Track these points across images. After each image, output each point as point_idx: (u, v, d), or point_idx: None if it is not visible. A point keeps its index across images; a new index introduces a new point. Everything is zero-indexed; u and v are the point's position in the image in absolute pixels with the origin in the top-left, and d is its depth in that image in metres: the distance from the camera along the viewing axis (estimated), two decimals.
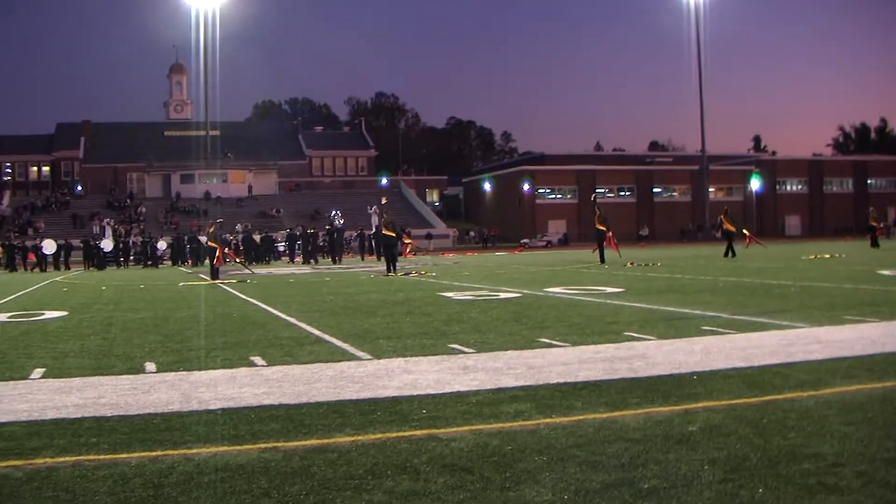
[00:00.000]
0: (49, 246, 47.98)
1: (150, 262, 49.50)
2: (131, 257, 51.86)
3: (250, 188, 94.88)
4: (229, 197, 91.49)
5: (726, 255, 32.76)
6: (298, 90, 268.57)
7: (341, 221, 46.93)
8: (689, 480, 5.00)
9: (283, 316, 14.24)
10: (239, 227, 57.90)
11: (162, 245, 51.62)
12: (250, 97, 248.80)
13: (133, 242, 53.94)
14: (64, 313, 16.08)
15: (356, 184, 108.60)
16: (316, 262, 42.66)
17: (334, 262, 41.59)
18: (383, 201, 43.75)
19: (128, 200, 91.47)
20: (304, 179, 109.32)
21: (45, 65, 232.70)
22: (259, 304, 16.97)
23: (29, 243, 51.40)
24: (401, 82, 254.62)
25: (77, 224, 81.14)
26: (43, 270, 45.92)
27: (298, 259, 47.21)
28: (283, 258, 51.02)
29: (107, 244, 49.30)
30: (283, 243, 53.19)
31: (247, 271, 32.00)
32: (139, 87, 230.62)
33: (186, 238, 52.31)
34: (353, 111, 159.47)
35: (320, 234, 47.18)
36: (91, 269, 47.10)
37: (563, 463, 5.36)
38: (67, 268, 47.96)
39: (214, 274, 25.98)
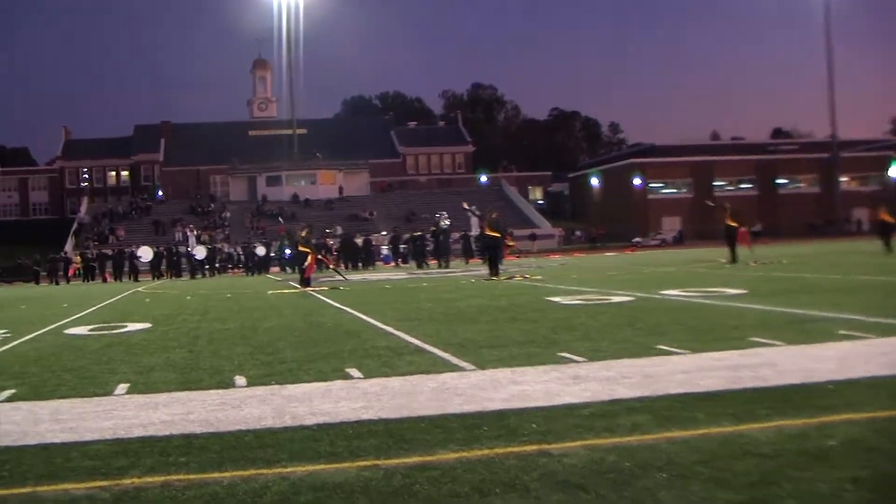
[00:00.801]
0: (146, 253, 49.00)
1: (252, 270, 50.46)
2: (229, 265, 53.16)
3: (341, 189, 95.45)
4: (318, 199, 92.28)
5: (889, 249, 31.96)
6: (389, 84, 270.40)
7: (447, 223, 47.19)
8: (829, 501, 4.90)
9: (378, 324, 14.24)
10: (339, 229, 58.58)
11: (261, 251, 52.38)
12: (339, 93, 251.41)
13: (223, 248, 55.11)
14: (147, 325, 16.29)
15: (453, 182, 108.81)
16: (426, 265, 43.02)
17: (440, 265, 41.88)
18: (465, 206, 44.02)
19: (211, 205, 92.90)
20: (398, 178, 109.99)
21: (121, 64, 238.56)
22: (353, 312, 16.96)
23: (127, 250, 52.78)
24: (498, 73, 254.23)
25: (159, 231, 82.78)
26: (136, 279, 47.12)
27: (401, 263, 47.84)
28: (382, 262, 51.47)
29: (199, 251, 50.10)
30: (387, 246, 53.62)
31: (340, 277, 32.28)
32: (220, 86, 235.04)
33: (278, 244, 53.36)
34: (448, 104, 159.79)
35: (427, 236, 47.31)
36: (173, 277, 48.18)
37: (686, 480, 5.29)
38: (167, 276, 48.93)
39: (305, 282, 26.20)
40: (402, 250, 50.68)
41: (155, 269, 49.94)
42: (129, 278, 48.03)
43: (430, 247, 46.09)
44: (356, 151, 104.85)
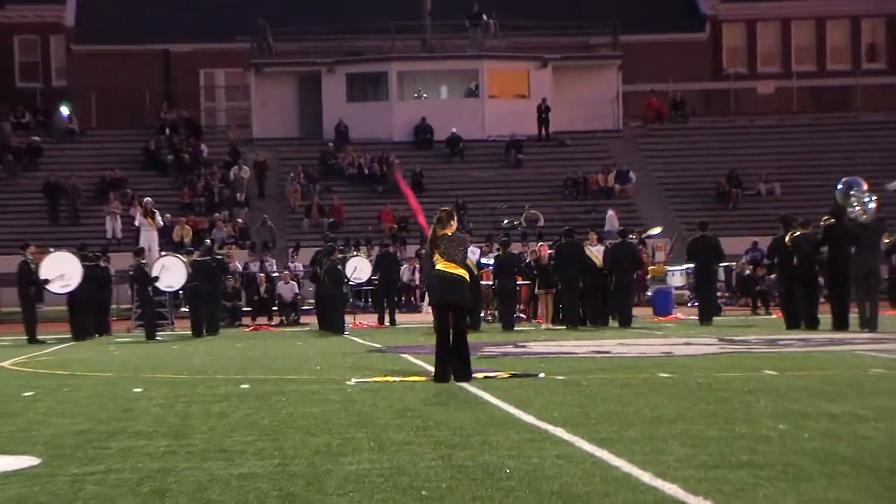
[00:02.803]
0: (165, 268, 36.04)
1: (330, 317, 42.29)
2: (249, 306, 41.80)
3: (544, 111, 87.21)
4: (477, 138, 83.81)
5: None
6: None
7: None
8: None
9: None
10: (536, 219, 49.45)
11: (361, 267, 40.85)
12: None
13: (233, 263, 43.01)
14: (31, 462, 10.12)
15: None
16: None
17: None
18: None
19: (202, 149, 59.85)
20: (706, 86, 60.04)
21: None
22: (590, 447, 9.93)
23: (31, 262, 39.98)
24: None
25: (59, 214, 75.25)
26: (31, 334, 29.53)
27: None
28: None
29: (171, 273, 31.49)
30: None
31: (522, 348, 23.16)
32: None
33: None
34: None
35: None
36: (134, 330, 34.86)
37: None
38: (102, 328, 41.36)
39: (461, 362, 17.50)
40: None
41: (80, 308, 31.36)
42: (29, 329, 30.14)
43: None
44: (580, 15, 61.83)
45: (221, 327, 33.83)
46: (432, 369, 16.10)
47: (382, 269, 36.35)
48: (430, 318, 19.28)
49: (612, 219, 48.57)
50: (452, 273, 15.74)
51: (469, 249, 32.47)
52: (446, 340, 15.81)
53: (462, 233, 19.42)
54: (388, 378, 16.31)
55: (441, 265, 15.77)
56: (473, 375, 15.78)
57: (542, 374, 16.47)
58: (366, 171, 54.74)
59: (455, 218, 16.72)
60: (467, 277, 16.10)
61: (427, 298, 35.64)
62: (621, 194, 53.89)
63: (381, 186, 53.63)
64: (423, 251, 34.91)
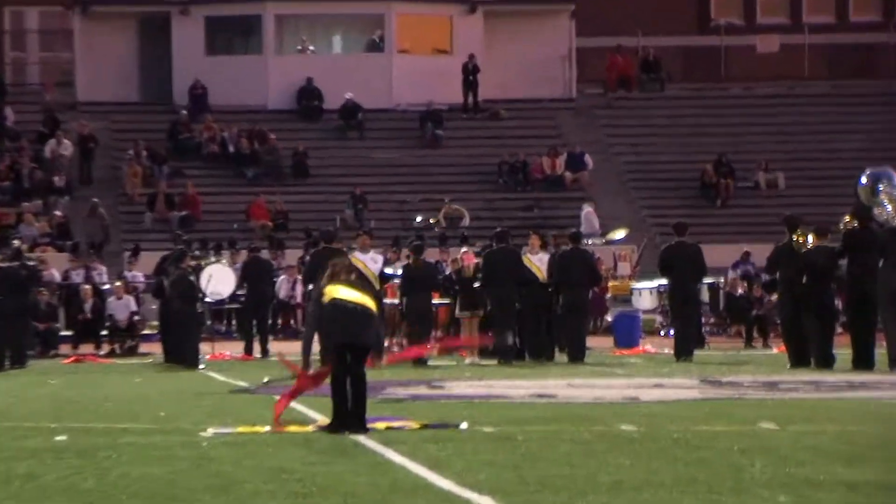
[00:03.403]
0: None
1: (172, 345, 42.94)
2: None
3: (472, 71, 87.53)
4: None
5: None
6: None
7: None
8: None
9: None
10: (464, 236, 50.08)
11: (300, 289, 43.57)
12: None
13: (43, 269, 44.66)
14: None
15: None
16: None
17: None
18: None
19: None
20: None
21: None
22: None
23: None
24: None
25: None
26: None
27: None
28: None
29: None
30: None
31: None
32: None
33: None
34: None
35: None
36: None
37: None
38: None
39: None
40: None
41: None
42: None
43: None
44: None
45: (31, 357, 34.16)
46: (318, 416, 16.50)
47: (251, 280, 36.99)
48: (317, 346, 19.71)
49: (589, 217, 49.41)
50: (355, 303, 16.05)
51: (369, 256, 33.36)
52: (344, 383, 16.28)
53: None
54: (257, 428, 16.65)
55: (339, 292, 16.08)
56: (371, 425, 16.30)
57: (464, 425, 17.00)
58: (231, 150, 55.47)
59: (354, 273, 17.13)
60: (375, 309, 16.50)
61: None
62: (574, 185, 55.22)
63: (252, 170, 54.33)
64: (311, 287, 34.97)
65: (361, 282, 16.34)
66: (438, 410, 19.66)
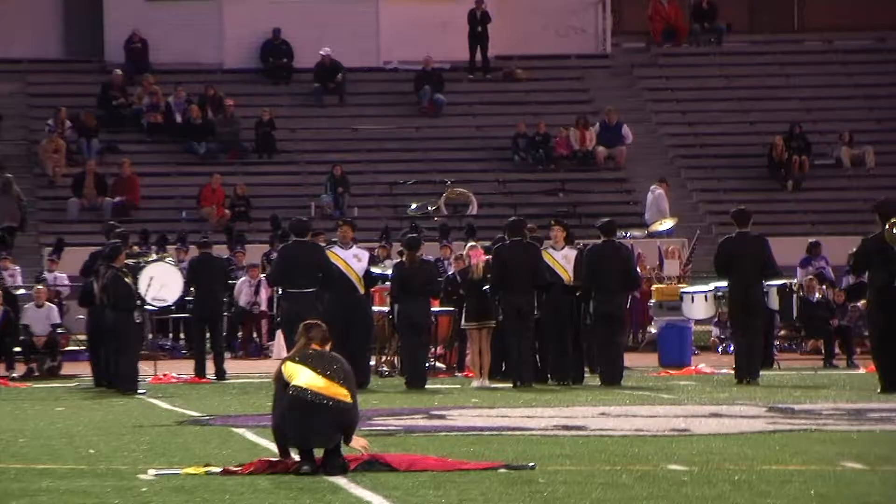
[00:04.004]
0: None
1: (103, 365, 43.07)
2: None
3: None
4: None
5: None
6: None
7: None
8: None
9: None
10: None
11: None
12: None
13: None
14: None
15: None
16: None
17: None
18: None
19: None
20: None
21: None
22: None
23: None
24: None
25: None
26: None
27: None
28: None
29: None
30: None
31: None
32: None
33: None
34: None
35: None
36: None
37: None
38: None
39: None
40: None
41: None
42: None
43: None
44: None
45: None
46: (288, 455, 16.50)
47: (202, 283, 36.63)
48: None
49: (660, 200, 49.05)
50: (323, 396, 15.71)
51: (351, 252, 33.26)
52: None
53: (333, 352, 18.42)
54: (209, 468, 16.69)
55: (300, 375, 15.66)
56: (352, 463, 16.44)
57: (531, 464, 16.95)
58: (178, 119, 55.35)
59: (330, 341, 16.57)
60: (350, 400, 15.86)
61: (276, 342, 36.04)
62: (608, 163, 54.98)
63: (204, 145, 54.18)
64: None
65: (332, 362, 15.51)
66: (439, 446, 19.66)
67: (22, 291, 41.23)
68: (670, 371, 35.88)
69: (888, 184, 46.98)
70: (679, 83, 59.40)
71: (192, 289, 36.33)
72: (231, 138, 53.33)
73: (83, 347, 37.19)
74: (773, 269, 32.07)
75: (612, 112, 55.36)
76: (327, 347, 15.86)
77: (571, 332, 32.00)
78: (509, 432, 21.62)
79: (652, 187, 49.99)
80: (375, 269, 33.76)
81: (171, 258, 38.56)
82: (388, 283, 32.95)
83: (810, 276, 42.69)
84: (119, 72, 56.05)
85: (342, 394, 15.42)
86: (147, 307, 34.34)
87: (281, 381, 16.00)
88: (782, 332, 42.55)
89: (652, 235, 42.23)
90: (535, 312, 30.65)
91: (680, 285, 39.44)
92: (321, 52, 56.33)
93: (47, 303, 39.37)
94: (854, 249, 29.42)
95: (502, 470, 16.15)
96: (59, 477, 16.58)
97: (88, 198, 51.55)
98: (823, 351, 41.17)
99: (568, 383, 31.26)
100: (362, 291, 30.42)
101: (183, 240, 45.58)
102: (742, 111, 57.65)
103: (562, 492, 14.52)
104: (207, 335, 37.15)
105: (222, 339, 37.67)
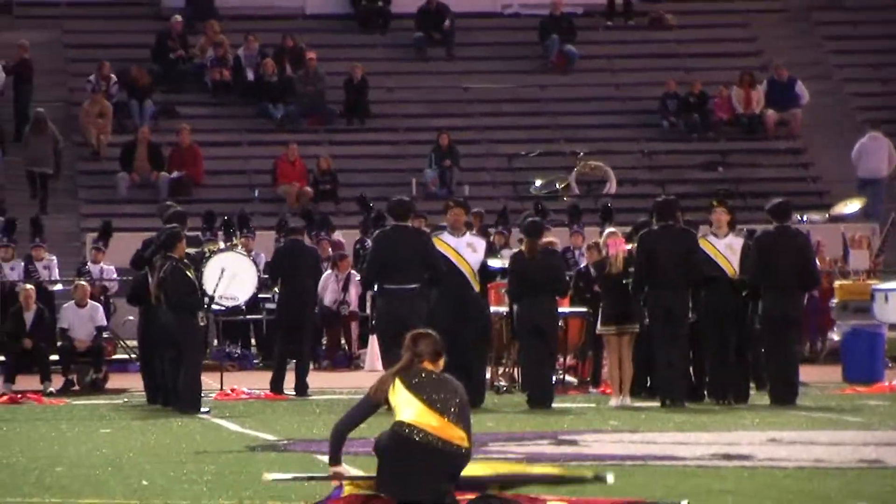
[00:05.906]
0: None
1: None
2: None
3: None
4: None
5: None
6: None
7: None
8: None
9: None
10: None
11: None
12: None
13: None
14: None
15: None
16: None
17: None
18: None
19: None
20: None
21: None
22: None
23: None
24: None
25: None
26: None
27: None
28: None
29: None
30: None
31: None
32: None
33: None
34: None
35: None
36: None
37: None
38: None
39: None
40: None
41: None
42: None
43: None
44: None
45: None
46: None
47: (290, 277, 36.60)
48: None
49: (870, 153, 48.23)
50: (435, 437, 15.51)
51: (464, 240, 33.10)
52: None
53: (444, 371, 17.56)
54: None
55: (407, 410, 15.32)
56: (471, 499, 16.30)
57: (610, 478, 16.89)
58: (249, 77, 55.47)
59: (443, 355, 15.98)
60: (467, 446, 15.36)
61: (370, 350, 36.02)
62: (779, 130, 54.52)
63: (281, 107, 54.19)
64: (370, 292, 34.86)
65: (451, 394, 14.66)
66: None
67: (59, 287, 41.43)
68: (857, 388, 35.67)
69: None
70: (868, 30, 59.03)
71: (275, 286, 36.29)
72: (314, 100, 53.43)
73: (134, 356, 37.31)
74: None
75: (784, 67, 55.12)
76: (440, 364, 15.26)
77: (734, 340, 31.97)
78: (656, 462, 21.87)
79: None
80: (493, 262, 33.54)
81: (241, 249, 38.34)
82: (506, 279, 33.07)
83: None
84: (178, 18, 56.16)
85: (458, 436, 14.85)
86: (214, 307, 34.61)
87: (378, 397, 15.32)
88: None
89: (835, 219, 42.13)
90: (690, 315, 30.68)
91: (870, 281, 39.29)
92: None
93: (90, 301, 39.26)
94: None
95: None
96: None
97: (140, 172, 51.65)
98: None
99: (729, 402, 31.18)
100: (477, 288, 30.28)
101: (246, 223, 44.88)
102: None
103: None
104: (289, 342, 36.65)
105: (308, 347, 37.45)
